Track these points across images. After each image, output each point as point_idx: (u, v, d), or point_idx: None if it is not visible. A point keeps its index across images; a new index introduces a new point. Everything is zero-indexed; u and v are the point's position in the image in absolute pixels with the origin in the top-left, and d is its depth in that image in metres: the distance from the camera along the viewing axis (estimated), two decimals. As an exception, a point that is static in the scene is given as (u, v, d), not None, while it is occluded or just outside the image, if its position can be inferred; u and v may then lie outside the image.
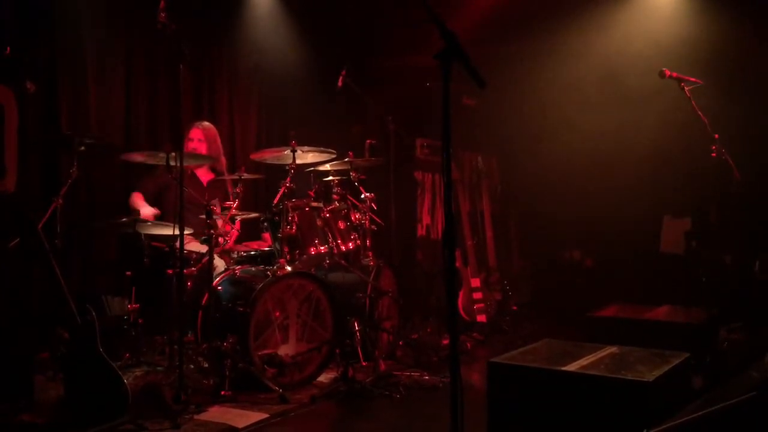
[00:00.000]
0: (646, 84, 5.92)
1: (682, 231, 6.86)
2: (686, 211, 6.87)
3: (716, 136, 4.55)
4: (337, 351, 4.66)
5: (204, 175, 5.48)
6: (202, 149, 5.34)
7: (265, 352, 4.36)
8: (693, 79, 4.59)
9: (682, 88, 4.56)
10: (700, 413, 2.19)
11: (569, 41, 6.75)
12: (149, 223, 4.47)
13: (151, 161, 4.44)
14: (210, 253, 4.36)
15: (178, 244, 4.04)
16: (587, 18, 6.66)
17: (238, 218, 5.02)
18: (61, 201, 3.99)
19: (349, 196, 5.31)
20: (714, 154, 4.58)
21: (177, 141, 4.19)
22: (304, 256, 4.77)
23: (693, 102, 4.54)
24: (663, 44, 6.27)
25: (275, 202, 4.80)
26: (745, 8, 6.07)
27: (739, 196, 4.82)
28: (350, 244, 5.04)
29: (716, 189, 5.04)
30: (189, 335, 4.59)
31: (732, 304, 5.11)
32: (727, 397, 2.23)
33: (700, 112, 4.53)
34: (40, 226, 3.75)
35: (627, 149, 6.83)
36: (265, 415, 3.85)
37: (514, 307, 6.97)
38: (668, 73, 4.56)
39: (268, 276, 4.48)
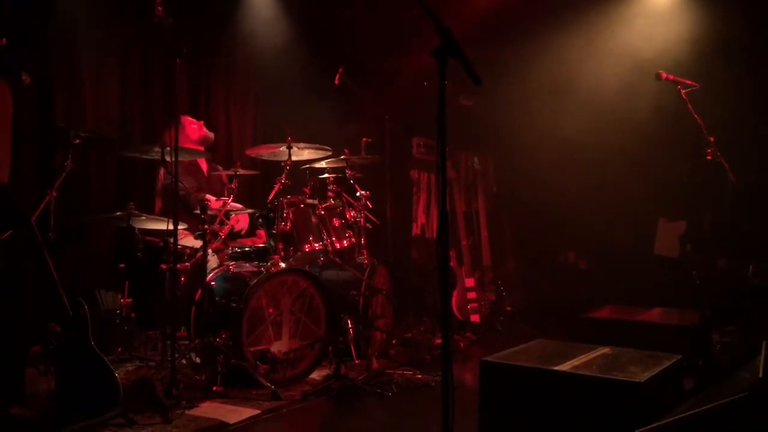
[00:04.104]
0: (643, 86, 5.93)
1: (676, 234, 6.87)
2: (681, 215, 6.88)
3: (711, 138, 4.56)
4: (330, 348, 4.67)
5: (202, 164, 5.49)
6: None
7: (258, 348, 4.36)
8: (689, 82, 4.60)
9: (678, 91, 4.57)
10: (690, 413, 2.19)
11: (567, 42, 6.75)
12: (143, 218, 4.46)
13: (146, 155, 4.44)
14: (204, 248, 4.36)
15: (172, 239, 4.04)
16: (584, 19, 6.67)
17: (233, 214, 5.02)
18: (55, 194, 3.99)
19: (344, 194, 5.31)
20: (709, 157, 4.58)
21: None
22: (299, 253, 4.77)
23: (689, 104, 4.55)
24: (660, 46, 6.28)
25: (270, 198, 4.79)
26: (740, 10, 6.07)
27: (734, 199, 4.81)
28: (345, 241, 5.04)
29: (711, 192, 5.03)
30: (182, 330, 4.59)
31: (725, 307, 5.11)
32: (719, 398, 2.23)
33: (696, 115, 4.54)
34: (33, 218, 3.74)
35: (622, 151, 6.83)
36: (257, 411, 3.84)
37: (508, 308, 6.98)
38: (664, 75, 4.57)
39: (261, 272, 4.47)
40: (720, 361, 4.51)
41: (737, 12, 6.11)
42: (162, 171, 5.14)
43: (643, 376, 2.93)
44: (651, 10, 6.68)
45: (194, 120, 5.45)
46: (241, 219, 5.27)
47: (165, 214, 4.90)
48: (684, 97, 4.56)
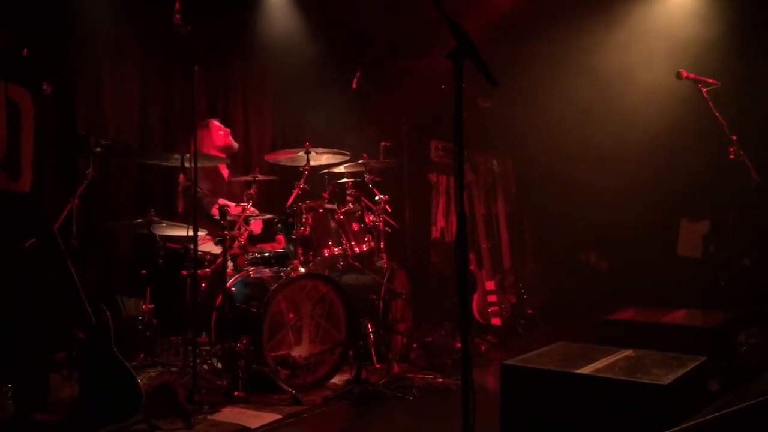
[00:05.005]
0: (664, 85, 5.87)
1: (699, 234, 6.80)
2: (704, 214, 6.81)
3: (734, 137, 4.50)
4: (351, 353, 4.66)
5: (223, 170, 5.52)
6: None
7: (279, 353, 4.36)
8: (710, 80, 4.53)
9: (700, 89, 4.51)
10: (714, 416, 2.16)
11: (586, 42, 6.70)
12: (164, 224, 4.49)
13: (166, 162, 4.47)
14: (224, 254, 4.37)
15: (192, 245, 4.05)
16: (604, 18, 6.62)
17: (253, 219, 5.03)
18: (77, 201, 4.02)
19: (363, 198, 5.31)
20: (732, 156, 4.52)
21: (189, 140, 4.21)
22: (318, 258, 4.77)
23: (710, 103, 4.49)
24: (681, 44, 6.22)
25: (289, 203, 4.81)
26: (765, 6, 6.00)
27: (757, 198, 4.75)
28: (364, 245, 5.04)
29: (734, 192, 4.96)
30: (203, 336, 4.61)
31: (750, 308, 5.04)
32: (744, 400, 2.19)
33: (717, 114, 4.48)
34: (56, 226, 3.77)
35: (644, 151, 6.77)
36: (278, 416, 3.85)
37: (530, 310, 6.92)
38: (685, 74, 4.52)
39: (281, 277, 4.49)
40: (745, 362, 4.45)
41: (760, 8, 6.03)
42: (182, 174, 5.17)
43: (667, 379, 2.89)
44: (672, 9, 6.61)
45: (222, 126, 5.48)
46: (253, 224, 5.29)
47: (187, 214, 4.94)
48: (705, 95, 4.51)
